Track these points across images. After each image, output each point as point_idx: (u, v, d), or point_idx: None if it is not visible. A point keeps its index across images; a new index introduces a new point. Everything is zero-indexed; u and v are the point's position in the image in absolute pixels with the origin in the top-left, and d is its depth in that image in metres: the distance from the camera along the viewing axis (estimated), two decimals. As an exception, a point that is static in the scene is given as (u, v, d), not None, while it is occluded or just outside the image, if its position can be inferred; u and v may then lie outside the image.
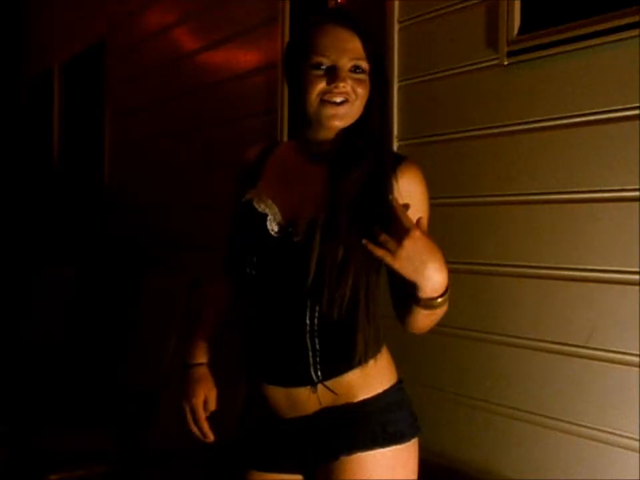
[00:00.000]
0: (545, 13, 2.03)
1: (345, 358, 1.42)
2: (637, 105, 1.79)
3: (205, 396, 1.58)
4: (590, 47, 1.89)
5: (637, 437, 1.78)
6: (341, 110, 1.42)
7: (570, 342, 1.95)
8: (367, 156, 1.43)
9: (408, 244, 1.26)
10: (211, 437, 1.59)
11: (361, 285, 1.38)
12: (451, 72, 2.30)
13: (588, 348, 1.90)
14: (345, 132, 1.46)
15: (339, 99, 1.41)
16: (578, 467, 1.91)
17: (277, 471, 1.53)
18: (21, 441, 2.97)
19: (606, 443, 1.85)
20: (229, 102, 3.57)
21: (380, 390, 1.46)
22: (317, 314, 1.40)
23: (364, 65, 1.43)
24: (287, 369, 1.45)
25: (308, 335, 1.42)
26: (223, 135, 3.62)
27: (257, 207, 1.47)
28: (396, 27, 2.49)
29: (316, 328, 1.41)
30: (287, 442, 1.51)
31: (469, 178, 2.24)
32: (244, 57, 3.45)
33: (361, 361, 1.42)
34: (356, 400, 1.44)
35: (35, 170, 6.12)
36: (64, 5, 5.62)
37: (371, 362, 1.44)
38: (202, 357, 1.61)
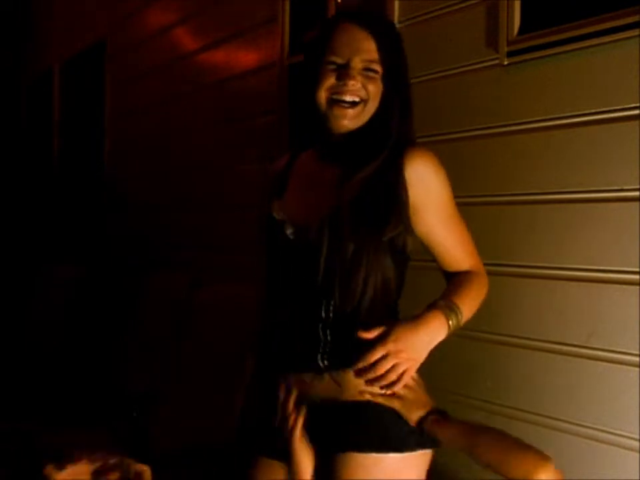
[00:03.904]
0: (545, 13, 2.03)
1: (353, 352, 1.41)
2: (637, 104, 1.79)
3: None
4: (590, 47, 1.89)
5: (637, 437, 1.78)
6: (351, 111, 1.43)
7: (570, 342, 1.94)
8: (376, 155, 1.43)
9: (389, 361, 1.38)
10: None
11: (372, 281, 1.41)
12: (451, 72, 2.30)
13: (588, 348, 1.90)
14: (359, 133, 1.46)
15: (348, 98, 1.42)
16: (578, 467, 1.91)
17: (279, 458, 1.52)
18: (20, 440, 2.97)
19: (606, 443, 1.85)
20: (229, 102, 3.57)
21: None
22: (332, 307, 1.43)
23: (376, 67, 1.43)
24: (297, 354, 1.47)
25: (321, 327, 1.44)
26: (223, 135, 3.62)
27: (275, 216, 1.52)
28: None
29: (330, 322, 1.43)
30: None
31: (469, 178, 2.24)
32: (244, 57, 3.45)
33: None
34: (362, 399, 1.43)
35: (35, 170, 6.12)
36: (64, 4, 5.62)
37: None
38: None
